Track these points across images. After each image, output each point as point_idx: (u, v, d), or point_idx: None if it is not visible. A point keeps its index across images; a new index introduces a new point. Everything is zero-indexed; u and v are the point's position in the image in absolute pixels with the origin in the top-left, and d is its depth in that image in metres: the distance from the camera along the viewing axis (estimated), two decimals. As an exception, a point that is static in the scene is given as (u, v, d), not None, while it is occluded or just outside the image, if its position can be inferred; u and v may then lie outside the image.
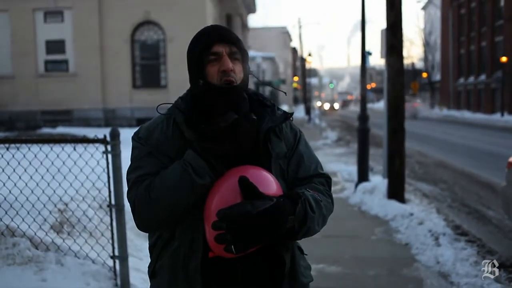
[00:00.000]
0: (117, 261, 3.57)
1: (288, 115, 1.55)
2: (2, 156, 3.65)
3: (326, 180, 1.58)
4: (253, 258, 1.37)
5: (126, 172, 1.53)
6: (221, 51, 1.44)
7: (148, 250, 1.62)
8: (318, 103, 63.51)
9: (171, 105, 1.56)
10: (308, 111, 33.54)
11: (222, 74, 1.43)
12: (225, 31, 1.49)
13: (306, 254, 1.60)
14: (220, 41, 1.45)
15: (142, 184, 1.43)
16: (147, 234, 1.58)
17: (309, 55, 39.43)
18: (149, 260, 1.59)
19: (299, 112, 37.98)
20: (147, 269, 1.59)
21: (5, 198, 3.72)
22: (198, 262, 1.41)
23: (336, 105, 62.07)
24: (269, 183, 1.35)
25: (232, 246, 1.23)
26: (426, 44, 51.82)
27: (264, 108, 1.55)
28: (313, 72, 68.23)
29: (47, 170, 3.82)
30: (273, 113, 1.53)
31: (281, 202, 1.28)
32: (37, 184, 3.80)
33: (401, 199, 6.91)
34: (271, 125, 1.49)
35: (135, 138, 1.54)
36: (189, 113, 1.47)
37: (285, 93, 1.90)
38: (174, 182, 1.37)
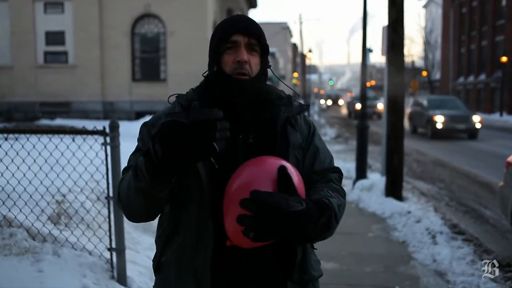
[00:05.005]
0: (114, 254, 3.57)
1: (304, 107, 1.55)
2: (0, 146, 3.64)
3: (339, 176, 1.57)
4: (265, 250, 1.34)
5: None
6: (238, 40, 1.43)
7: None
8: (322, 101, 57.02)
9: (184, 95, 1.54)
10: (307, 107, 33.50)
11: (237, 65, 1.42)
12: (247, 22, 1.47)
13: (316, 249, 1.58)
14: (239, 31, 1.43)
15: (125, 175, 1.41)
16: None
17: (310, 51, 39.40)
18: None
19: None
20: (152, 262, 1.56)
21: (2, 189, 3.70)
22: (207, 256, 1.38)
23: (341, 102, 51.59)
24: (294, 176, 1.29)
25: (252, 233, 1.17)
26: (427, 43, 51.75)
27: (280, 99, 1.54)
28: (313, 69, 68.16)
29: (46, 161, 3.81)
30: (289, 104, 1.53)
31: (311, 210, 1.23)
32: (35, 175, 3.79)
33: (399, 197, 6.92)
34: (288, 115, 1.49)
35: (143, 123, 1.53)
36: (186, 105, 1.44)
37: (298, 94, 1.87)
38: (127, 182, 1.34)
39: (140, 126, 1.54)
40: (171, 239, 1.46)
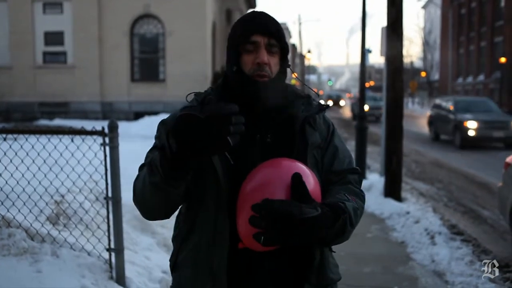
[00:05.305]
0: (112, 254, 3.56)
1: (323, 107, 1.53)
2: (-1, 146, 3.64)
3: (358, 177, 1.54)
4: (281, 251, 1.32)
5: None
6: (259, 41, 1.40)
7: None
8: (322, 102, 58.44)
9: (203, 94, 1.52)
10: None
11: (257, 66, 1.40)
12: (267, 21, 1.44)
13: (334, 251, 1.56)
14: (260, 31, 1.41)
15: (141, 172, 1.40)
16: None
17: (309, 51, 39.46)
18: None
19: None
20: (169, 261, 1.55)
21: (1, 189, 3.70)
22: (223, 256, 1.36)
23: (343, 102, 49.49)
24: (309, 180, 1.28)
25: (262, 237, 1.16)
26: (426, 43, 51.84)
27: (299, 98, 1.52)
28: (312, 69, 68.26)
29: (44, 161, 3.80)
30: (308, 104, 1.51)
31: (325, 215, 1.21)
32: (34, 175, 3.78)
33: (398, 198, 6.93)
34: (307, 115, 1.47)
35: (161, 121, 1.51)
36: (202, 100, 1.42)
37: (318, 94, 1.84)
38: (143, 179, 1.34)
39: (158, 123, 1.52)
40: (187, 239, 1.45)
